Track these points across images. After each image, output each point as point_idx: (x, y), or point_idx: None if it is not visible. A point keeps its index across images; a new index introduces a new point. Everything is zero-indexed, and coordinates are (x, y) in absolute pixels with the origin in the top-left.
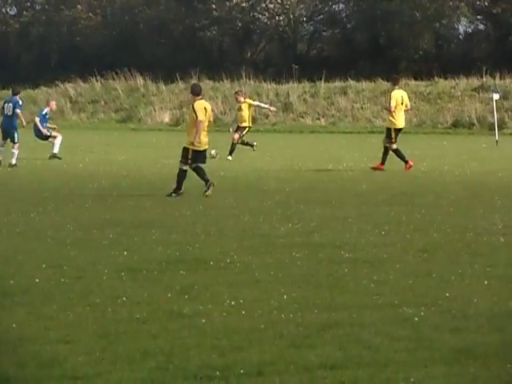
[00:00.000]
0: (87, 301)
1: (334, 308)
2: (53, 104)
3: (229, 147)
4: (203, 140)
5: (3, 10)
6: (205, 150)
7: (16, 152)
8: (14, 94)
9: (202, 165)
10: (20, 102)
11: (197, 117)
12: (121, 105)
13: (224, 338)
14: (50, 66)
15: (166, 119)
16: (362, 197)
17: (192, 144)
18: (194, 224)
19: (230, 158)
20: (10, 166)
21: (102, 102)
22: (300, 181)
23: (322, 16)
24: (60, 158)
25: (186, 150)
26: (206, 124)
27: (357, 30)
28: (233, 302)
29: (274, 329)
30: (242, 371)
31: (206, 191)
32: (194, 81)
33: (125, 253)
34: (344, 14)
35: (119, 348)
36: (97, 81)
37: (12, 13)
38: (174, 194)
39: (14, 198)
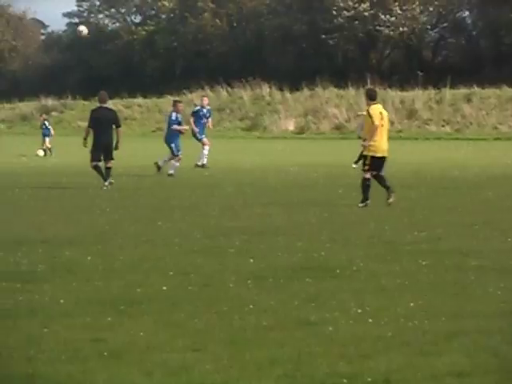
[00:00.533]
0: (214, 308)
1: (461, 315)
2: (205, 99)
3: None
4: (382, 146)
5: (128, 19)
6: (384, 157)
7: (175, 164)
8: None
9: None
10: (173, 117)
11: (373, 122)
12: (246, 113)
13: (351, 345)
14: (175, 74)
15: (291, 127)
16: (488, 203)
17: (369, 149)
18: (320, 231)
19: (355, 166)
20: (169, 175)
21: (228, 111)
22: (425, 187)
23: (446, 23)
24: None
25: (364, 157)
26: (385, 130)
27: (482, 36)
28: (359, 310)
29: (401, 336)
30: (369, 379)
31: (388, 199)
32: (318, 88)
33: (251, 260)
34: (469, 21)
35: (247, 356)
36: (223, 89)
37: (137, 21)
38: (360, 204)
39: (141, 206)
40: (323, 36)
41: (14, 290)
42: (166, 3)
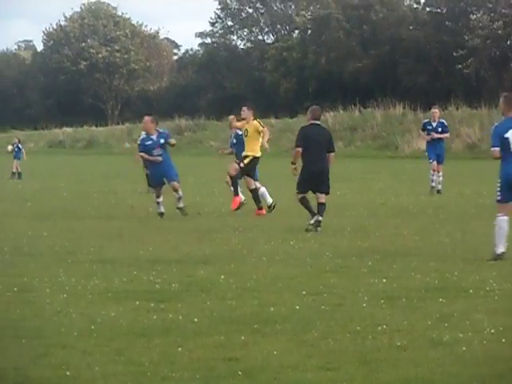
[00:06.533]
0: (347, 328)
1: None
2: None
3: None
4: None
5: (260, 38)
6: None
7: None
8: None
9: None
10: None
11: None
12: (378, 132)
13: (485, 366)
14: (308, 93)
15: (424, 147)
16: None
17: None
18: (453, 251)
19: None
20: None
21: (360, 130)
22: None
23: None
24: None
25: None
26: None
27: None
28: (493, 330)
29: None
30: None
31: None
32: (451, 108)
33: (384, 280)
34: None
35: (380, 376)
36: (356, 108)
37: (269, 41)
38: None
39: (273, 226)
40: (456, 55)
41: (148, 308)
42: (298, 19)
